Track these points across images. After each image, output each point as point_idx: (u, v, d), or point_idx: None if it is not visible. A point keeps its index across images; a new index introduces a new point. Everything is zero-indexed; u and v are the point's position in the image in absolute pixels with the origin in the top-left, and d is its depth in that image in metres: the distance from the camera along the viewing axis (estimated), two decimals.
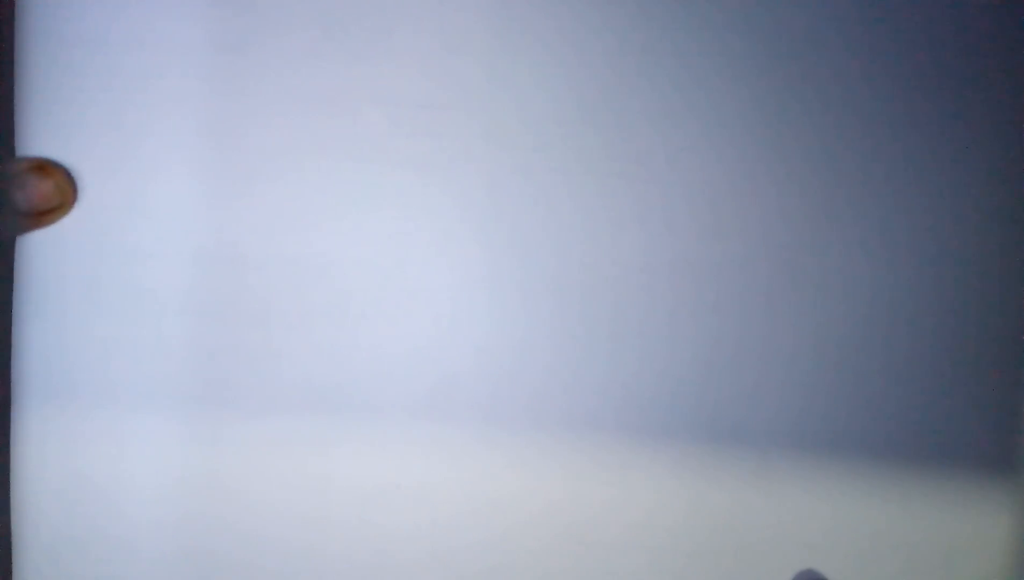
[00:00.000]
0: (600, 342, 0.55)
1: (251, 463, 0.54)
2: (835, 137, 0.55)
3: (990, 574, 0.56)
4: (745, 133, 0.54)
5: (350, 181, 0.54)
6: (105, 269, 0.53)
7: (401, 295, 0.54)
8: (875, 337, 0.55)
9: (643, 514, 0.55)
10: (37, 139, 0.52)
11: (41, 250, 0.53)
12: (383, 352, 0.54)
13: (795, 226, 0.55)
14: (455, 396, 0.54)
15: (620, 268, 0.55)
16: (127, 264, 0.53)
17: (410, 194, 0.54)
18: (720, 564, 0.55)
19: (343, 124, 0.54)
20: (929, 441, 0.55)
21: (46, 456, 0.53)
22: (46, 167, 0.46)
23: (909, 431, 0.55)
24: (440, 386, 0.54)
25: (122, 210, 0.53)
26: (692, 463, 0.55)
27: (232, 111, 0.53)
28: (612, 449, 0.55)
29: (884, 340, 0.55)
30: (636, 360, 0.55)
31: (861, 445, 0.55)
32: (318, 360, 0.54)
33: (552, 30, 0.54)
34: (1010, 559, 0.56)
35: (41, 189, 0.45)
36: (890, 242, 0.55)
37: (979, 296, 0.55)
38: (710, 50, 0.54)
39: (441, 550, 0.55)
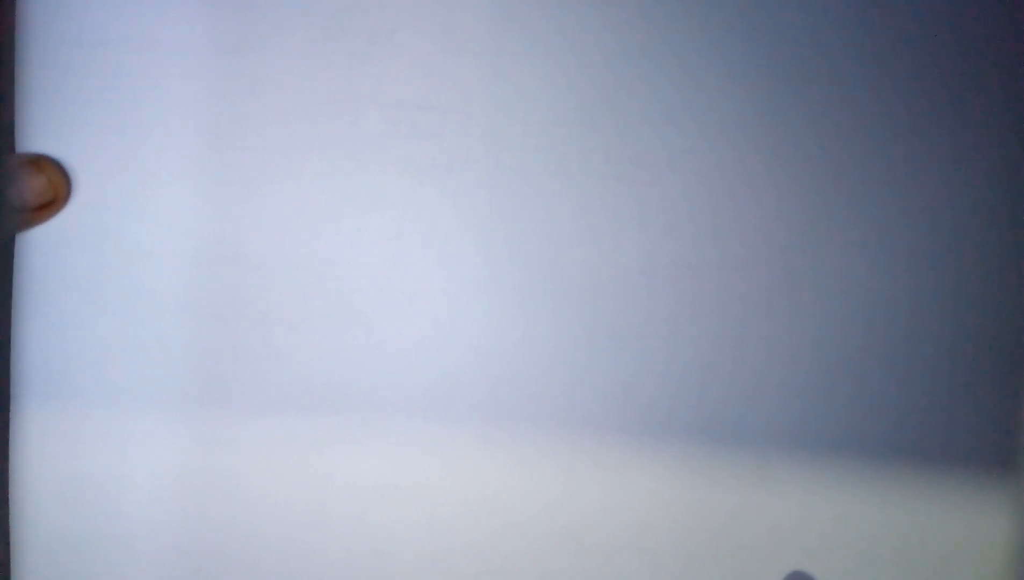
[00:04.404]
0: (600, 343, 0.55)
1: (250, 463, 0.54)
2: (835, 139, 0.55)
3: (990, 575, 0.56)
4: (745, 135, 0.55)
5: (350, 182, 0.54)
6: (105, 269, 0.53)
7: (401, 296, 0.54)
8: (874, 338, 0.55)
9: (642, 514, 0.55)
10: (37, 139, 0.52)
11: (41, 249, 0.53)
12: (383, 352, 0.54)
13: (794, 228, 0.55)
14: (454, 396, 0.54)
15: (620, 269, 0.55)
16: (127, 264, 0.53)
17: (410, 195, 0.54)
18: (719, 565, 0.55)
19: (343, 125, 0.54)
20: (929, 441, 0.55)
21: (46, 455, 0.54)
22: (39, 162, 0.46)
23: (909, 432, 0.55)
24: (439, 386, 0.54)
25: (122, 210, 0.53)
26: (692, 463, 0.55)
27: (232, 112, 0.53)
28: (612, 449, 0.55)
29: (883, 341, 0.55)
30: (636, 361, 0.55)
31: (861, 446, 0.55)
32: (318, 360, 0.54)
33: (552, 33, 0.54)
34: (1010, 559, 0.56)
35: (33, 184, 0.45)
36: (890, 243, 0.55)
37: (979, 297, 0.55)
38: (710, 52, 0.54)
39: (440, 550, 0.55)
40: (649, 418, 0.55)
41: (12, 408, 0.53)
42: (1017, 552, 0.56)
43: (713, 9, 0.54)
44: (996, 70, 0.55)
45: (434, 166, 0.54)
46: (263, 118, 0.53)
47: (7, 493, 0.53)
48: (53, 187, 0.51)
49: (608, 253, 0.55)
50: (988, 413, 0.55)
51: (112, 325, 0.53)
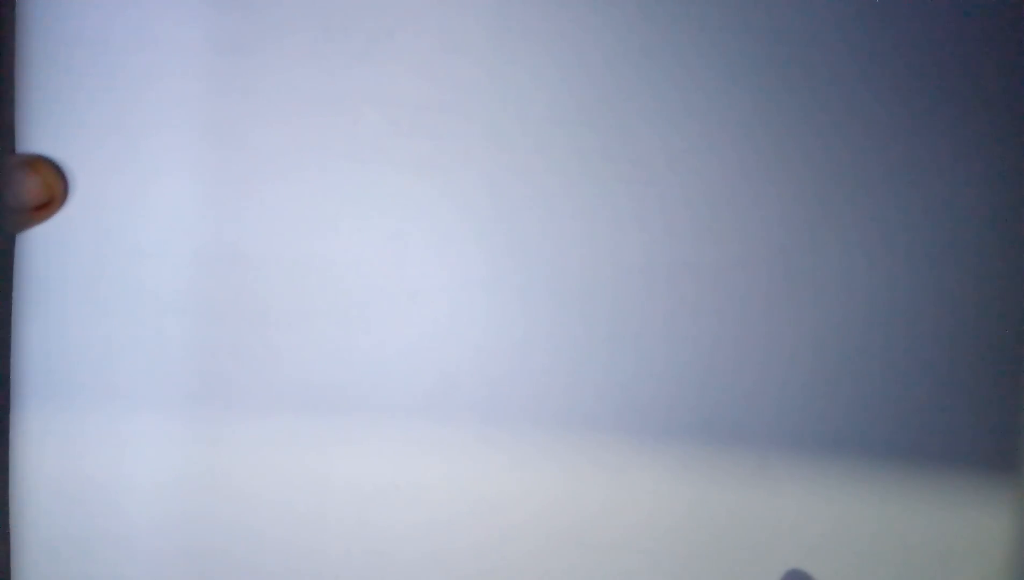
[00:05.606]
0: (599, 343, 0.55)
1: (250, 462, 0.54)
2: (834, 139, 0.55)
3: (990, 575, 0.56)
4: (744, 135, 0.55)
5: (350, 182, 0.54)
6: (105, 269, 0.53)
7: (400, 295, 0.54)
8: (874, 338, 0.55)
9: (642, 515, 0.55)
10: (37, 139, 0.52)
11: (41, 250, 0.53)
12: (382, 352, 0.54)
13: (794, 228, 0.55)
14: (454, 396, 0.54)
15: (619, 269, 0.55)
16: (127, 264, 0.53)
17: (410, 195, 0.54)
18: (719, 565, 0.55)
19: (343, 125, 0.54)
20: (929, 441, 0.55)
21: (46, 455, 0.54)
22: (35, 163, 0.46)
23: (909, 432, 0.55)
24: (439, 386, 0.54)
25: (122, 210, 0.53)
26: (691, 464, 0.55)
27: (232, 112, 0.53)
28: (611, 450, 0.55)
29: (883, 341, 0.55)
30: (635, 361, 0.55)
31: (860, 446, 0.55)
32: (318, 360, 0.54)
33: (552, 32, 0.54)
34: (1010, 559, 0.56)
35: (29, 185, 0.45)
36: (889, 243, 0.55)
37: (979, 297, 0.55)
38: (709, 52, 0.54)
39: (439, 550, 0.55)
40: (649, 418, 0.55)
41: (12, 408, 0.53)
42: (1017, 552, 0.56)
43: (712, 9, 0.54)
44: (996, 70, 0.55)
45: (434, 166, 0.54)
46: (263, 118, 0.53)
47: (7, 493, 0.53)
48: (49, 188, 0.50)
49: (607, 253, 0.55)
50: (988, 413, 0.55)
51: (112, 325, 0.53)
